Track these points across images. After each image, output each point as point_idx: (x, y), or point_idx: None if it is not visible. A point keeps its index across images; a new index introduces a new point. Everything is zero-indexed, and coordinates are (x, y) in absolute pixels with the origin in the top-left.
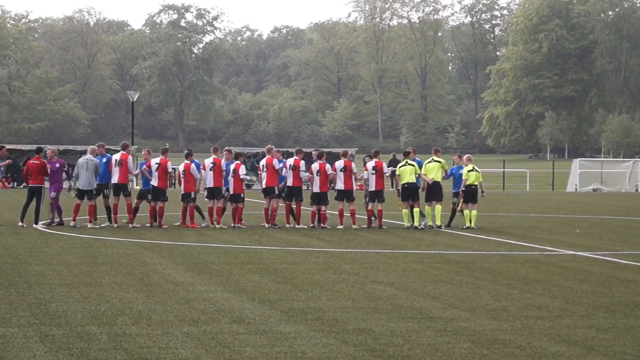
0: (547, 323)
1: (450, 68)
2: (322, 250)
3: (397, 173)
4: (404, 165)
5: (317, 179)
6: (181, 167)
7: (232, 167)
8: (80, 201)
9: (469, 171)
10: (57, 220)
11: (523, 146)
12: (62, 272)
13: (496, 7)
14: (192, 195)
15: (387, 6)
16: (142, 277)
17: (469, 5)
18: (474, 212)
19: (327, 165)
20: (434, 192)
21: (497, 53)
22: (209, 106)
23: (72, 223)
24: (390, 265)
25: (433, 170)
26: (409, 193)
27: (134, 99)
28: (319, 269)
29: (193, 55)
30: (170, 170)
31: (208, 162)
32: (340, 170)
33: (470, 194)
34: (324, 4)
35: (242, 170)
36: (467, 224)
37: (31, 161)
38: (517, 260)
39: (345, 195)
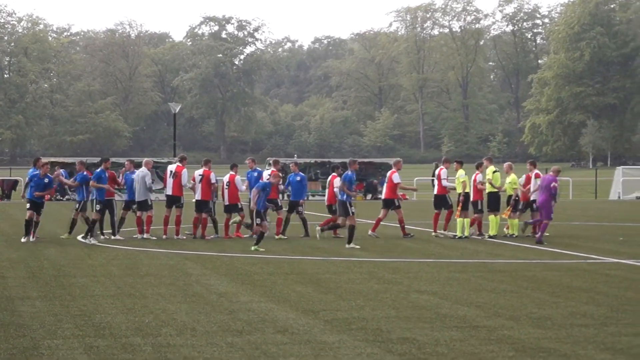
0: (592, 331)
1: (491, 77)
2: (365, 260)
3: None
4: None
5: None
6: (226, 179)
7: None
8: (139, 213)
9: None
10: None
11: (565, 155)
12: (106, 283)
13: (537, 15)
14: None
15: (428, 16)
16: (185, 288)
17: (510, 14)
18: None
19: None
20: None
21: (539, 61)
22: (250, 117)
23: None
24: (433, 275)
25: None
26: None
27: (176, 111)
28: (362, 279)
29: (234, 67)
30: (213, 181)
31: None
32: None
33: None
34: (365, 14)
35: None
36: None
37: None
38: (561, 268)
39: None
